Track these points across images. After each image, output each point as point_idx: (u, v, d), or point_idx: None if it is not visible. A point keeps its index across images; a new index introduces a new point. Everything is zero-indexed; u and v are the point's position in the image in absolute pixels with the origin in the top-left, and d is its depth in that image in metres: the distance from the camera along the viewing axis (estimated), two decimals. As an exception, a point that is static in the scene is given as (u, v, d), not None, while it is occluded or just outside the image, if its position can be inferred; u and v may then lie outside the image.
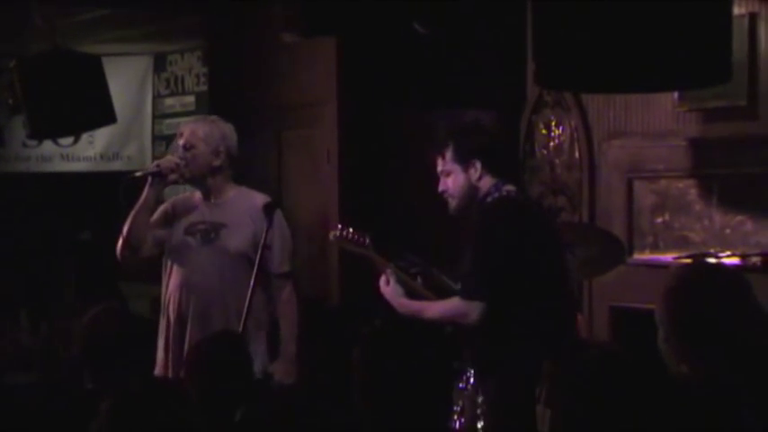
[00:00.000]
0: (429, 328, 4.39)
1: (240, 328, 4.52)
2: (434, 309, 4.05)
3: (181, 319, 4.82)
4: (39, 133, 6.34)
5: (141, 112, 8.68)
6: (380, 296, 4.17)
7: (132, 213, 4.80)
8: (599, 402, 2.55)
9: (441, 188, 4.11)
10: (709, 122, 5.18)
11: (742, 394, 2.80)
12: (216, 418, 3.43)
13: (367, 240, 4.37)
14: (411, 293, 4.14)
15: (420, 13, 5.70)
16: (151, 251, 4.91)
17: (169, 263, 4.91)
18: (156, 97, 8.67)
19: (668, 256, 5.21)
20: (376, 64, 6.64)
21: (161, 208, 4.93)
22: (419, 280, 4.23)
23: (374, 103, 6.75)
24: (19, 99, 5.82)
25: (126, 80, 8.43)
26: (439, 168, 4.10)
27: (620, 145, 5.53)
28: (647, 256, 5.40)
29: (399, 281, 4.14)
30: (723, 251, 4.99)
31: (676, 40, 3.00)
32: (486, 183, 4.02)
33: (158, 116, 8.66)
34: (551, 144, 5.85)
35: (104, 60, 5.99)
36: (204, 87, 8.22)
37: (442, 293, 4.15)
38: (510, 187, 4.04)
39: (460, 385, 4.00)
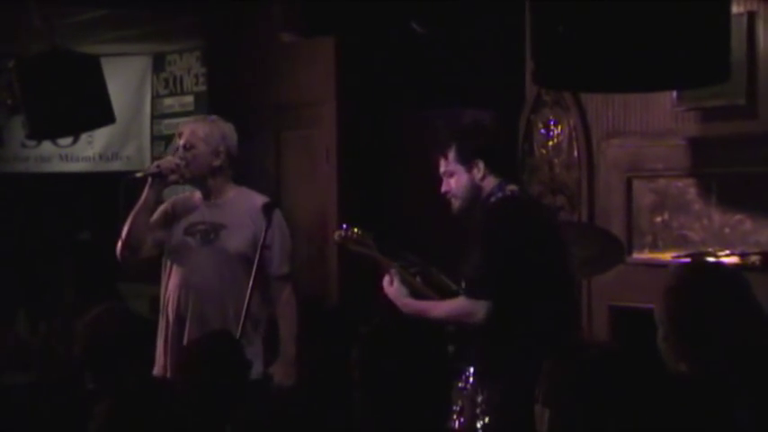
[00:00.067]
0: (427, 327, 4.38)
1: (239, 329, 4.52)
2: (440, 308, 4.05)
3: (179, 320, 4.82)
4: (37, 133, 6.34)
5: (140, 112, 8.68)
6: (383, 296, 4.16)
7: (132, 214, 4.80)
8: (598, 402, 2.55)
9: (444, 189, 4.10)
10: (707, 121, 5.18)
11: (741, 393, 2.80)
12: (210, 419, 3.42)
13: (371, 240, 4.36)
14: (415, 293, 4.14)
15: (419, 12, 5.70)
16: (151, 252, 4.91)
17: (168, 263, 4.91)
18: (155, 97, 8.67)
19: (667, 256, 5.21)
20: (375, 64, 6.65)
21: (161, 208, 4.93)
22: (418, 279, 4.23)
23: (373, 102, 6.75)
24: (18, 99, 5.82)
25: (125, 80, 8.43)
26: (442, 169, 4.10)
27: (619, 144, 5.53)
28: (646, 255, 5.40)
29: (403, 281, 4.14)
30: (722, 250, 4.99)
31: (675, 39, 2.99)
32: (490, 183, 4.02)
33: (157, 116, 8.66)
34: (550, 143, 5.85)
35: (103, 60, 5.99)
36: (203, 87, 8.22)
37: (442, 293, 4.15)
38: (513, 187, 4.05)
39: (460, 385, 4.00)
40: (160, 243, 4.90)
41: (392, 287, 4.13)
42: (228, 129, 4.95)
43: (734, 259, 4.86)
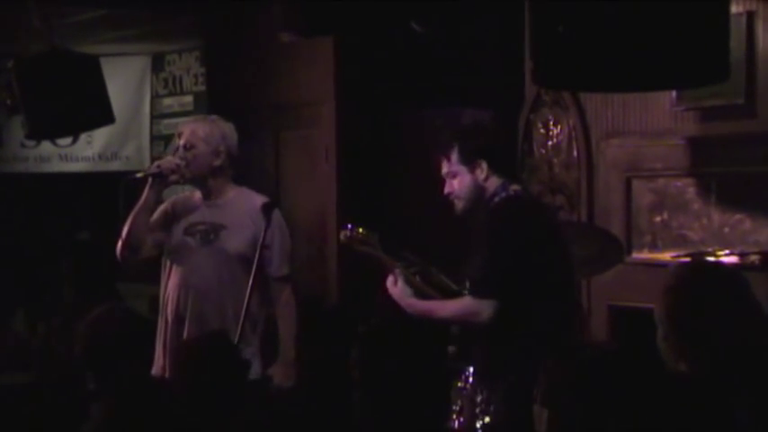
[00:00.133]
0: (426, 327, 4.39)
1: (238, 329, 4.51)
2: (445, 308, 4.04)
3: (179, 320, 4.81)
4: (37, 133, 6.35)
5: (139, 112, 8.68)
6: (387, 296, 4.15)
7: (132, 214, 4.79)
8: (597, 402, 2.55)
9: (446, 190, 4.09)
10: (707, 121, 5.18)
11: (741, 393, 2.80)
12: (209, 418, 3.43)
13: (376, 240, 4.35)
14: (419, 294, 4.14)
15: (419, 12, 5.71)
16: (151, 252, 4.90)
17: (168, 263, 4.91)
18: (155, 97, 8.67)
19: (667, 255, 5.22)
20: (374, 63, 6.65)
21: (161, 208, 4.92)
22: (418, 279, 4.23)
23: (372, 102, 6.75)
24: (17, 99, 5.82)
25: (124, 80, 8.44)
26: (444, 170, 4.09)
27: (619, 144, 5.53)
28: (645, 255, 5.40)
29: (407, 281, 4.14)
30: (721, 250, 4.99)
31: (674, 38, 3.00)
32: (493, 183, 4.02)
33: (156, 116, 8.66)
34: (549, 143, 5.85)
35: (102, 60, 5.99)
36: (202, 87, 8.22)
37: (443, 293, 4.14)
38: (516, 187, 4.05)
39: (460, 385, 4.00)
40: (160, 243, 4.89)
41: (396, 287, 4.12)
42: (229, 128, 4.94)
43: (733, 259, 4.86)
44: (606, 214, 5.56)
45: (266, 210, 4.71)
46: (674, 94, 5.19)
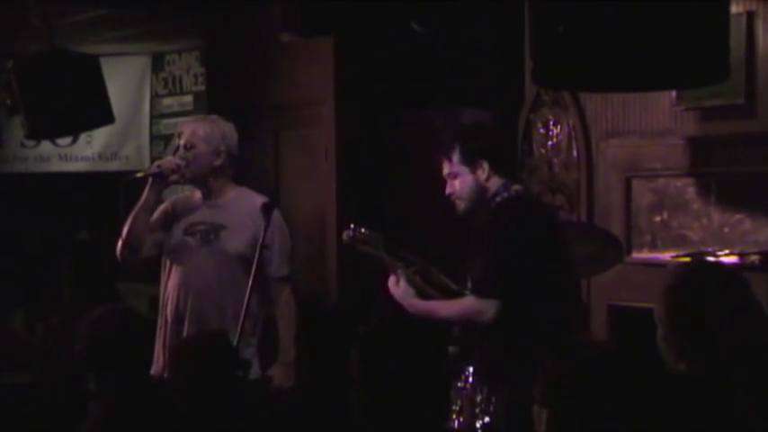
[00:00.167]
0: (426, 327, 4.39)
1: (237, 330, 4.51)
2: (448, 308, 4.05)
3: (178, 319, 4.81)
4: (37, 133, 6.35)
5: (139, 111, 8.69)
6: (389, 296, 4.16)
7: (132, 214, 4.79)
8: (597, 402, 2.55)
9: (448, 191, 4.09)
10: (706, 121, 5.18)
11: (741, 393, 2.80)
12: (208, 418, 3.43)
13: (379, 240, 4.35)
14: (421, 294, 4.14)
15: (418, 12, 5.71)
16: (151, 252, 4.90)
17: (168, 262, 4.91)
18: (154, 97, 8.67)
19: (666, 255, 5.22)
20: (374, 63, 6.65)
21: (161, 208, 4.92)
22: (418, 279, 4.23)
23: (372, 102, 6.75)
24: (17, 99, 5.82)
25: (124, 80, 8.44)
26: (445, 171, 4.09)
27: (618, 144, 5.53)
28: (645, 254, 5.41)
29: (409, 281, 4.14)
30: (721, 249, 4.99)
31: (674, 38, 3.00)
32: (495, 183, 4.02)
33: (156, 116, 8.67)
34: (549, 143, 5.86)
35: (102, 60, 5.99)
36: (202, 87, 8.23)
37: (444, 293, 4.15)
38: (518, 186, 4.05)
39: (460, 385, 4.01)
40: (160, 243, 4.89)
41: (399, 288, 4.12)
42: (229, 128, 4.94)
43: (733, 259, 4.87)
44: (606, 214, 5.56)
45: (266, 210, 4.70)
46: (674, 94, 5.19)
